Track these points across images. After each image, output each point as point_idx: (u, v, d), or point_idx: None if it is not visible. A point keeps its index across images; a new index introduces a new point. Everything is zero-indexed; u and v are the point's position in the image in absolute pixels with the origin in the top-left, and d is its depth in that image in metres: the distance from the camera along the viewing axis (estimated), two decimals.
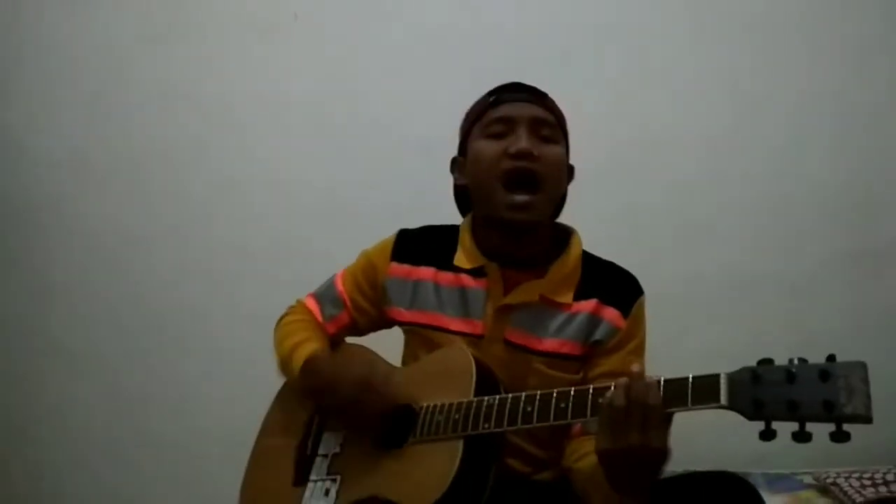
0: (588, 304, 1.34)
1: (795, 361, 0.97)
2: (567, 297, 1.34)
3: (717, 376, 0.99)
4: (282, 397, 1.51)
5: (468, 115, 1.44)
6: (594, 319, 1.33)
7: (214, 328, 2.36)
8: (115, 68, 2.43)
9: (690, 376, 1.01)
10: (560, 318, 1.34)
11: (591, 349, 1.34)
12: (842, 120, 2.21)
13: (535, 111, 1.34)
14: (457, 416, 1.20)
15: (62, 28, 2.43)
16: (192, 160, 2.41)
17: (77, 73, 2.43)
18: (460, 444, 1.18)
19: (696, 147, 2.29)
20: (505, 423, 1.16)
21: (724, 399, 0.97)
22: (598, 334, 1.33)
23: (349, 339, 1.53)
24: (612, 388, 1.04)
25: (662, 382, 1.03)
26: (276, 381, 1.50)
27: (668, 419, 1.02)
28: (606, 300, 1.34)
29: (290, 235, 2.36)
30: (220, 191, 2.40)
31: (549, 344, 1.33)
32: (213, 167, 2.40)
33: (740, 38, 2.25)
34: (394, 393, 1.30)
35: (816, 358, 2.22)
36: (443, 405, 1.23)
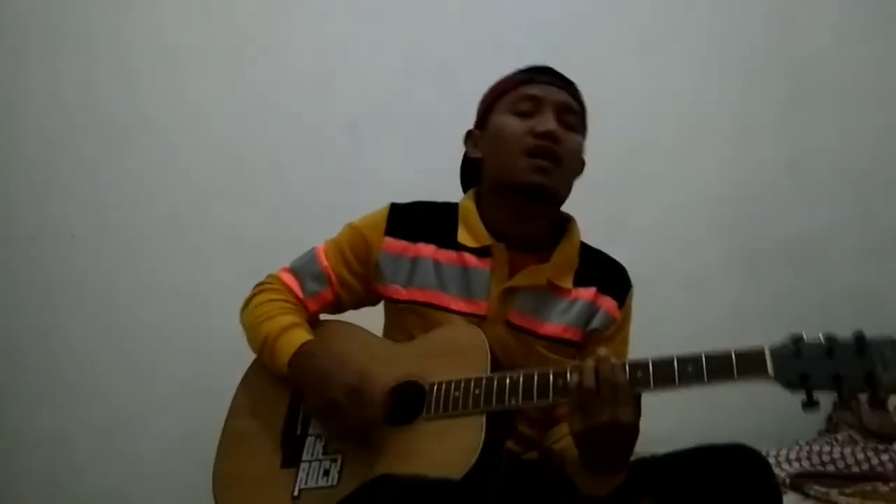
0: (588, 292, 1.38)
1: (821, 337, 1.05)
2: (568, 283, 1.37)
3: (760, 351, 1.06)
4: (253, 376, 1.42)
5: (493, 89, 1.43)
6: (592, 307, 1.38)
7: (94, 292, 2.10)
8: None
9: (733, 351, 1.07)
10: (562, 304, 1.36)
11: (589, 337, 1.38)
12: (736, 131, 2.43)
13: (564, 97, 1.37)
14: (477, 392, 1.19)
15: None
16: (78, 106, 2.12)
17: None
18: (483, 420, 1.17)
19: (601, 147, 2.41)
20: (535, 397, 1.17)
21: (771, 372, 1.03)
22: (596, 322, 1.37)
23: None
24: (582, 370, 1.10)
25: (704, 357, 1.08)
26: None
27: (636, 397, 1.10)
28: (604, 289, 1.39)
29: (182, 202, 2.14)
30: (109, 142, 2.12)
31: (552, 328, 1.35)
32: (101, 114, 2.13)
33: (642, 47, 2.40)
34: (396, 372, 1.27)
35: (709, 347, 2.39)
36: (458, 381, 1.21)
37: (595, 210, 2.32)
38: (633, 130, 2.39)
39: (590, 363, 1.10)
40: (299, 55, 2.23)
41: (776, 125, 2.45)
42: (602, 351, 1.11)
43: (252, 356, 1.43)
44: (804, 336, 1.06)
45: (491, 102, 1.41)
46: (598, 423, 1.07)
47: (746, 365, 1.05)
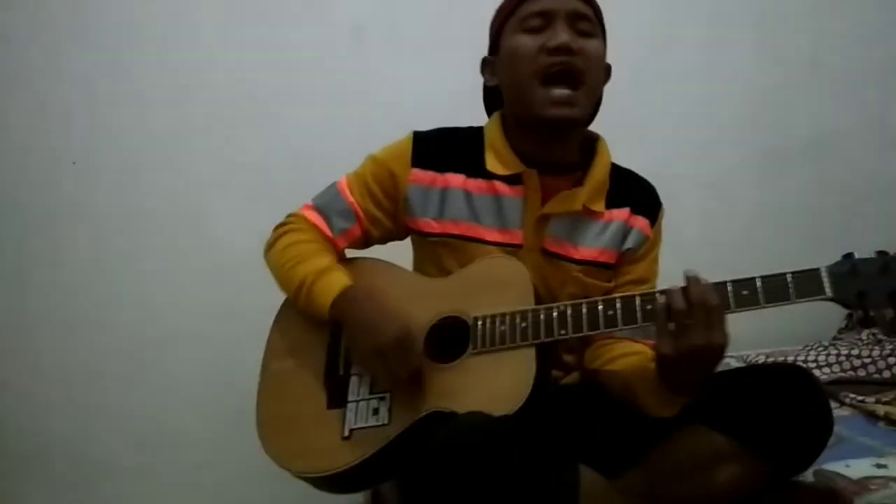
0: (621, 213, 1.36)
1: (873, 255, 1.04)
2: (601, 206, 1.34)
3: (817, 271, 1.04)
4: (286, 316, 1.40)
5: (500, 10, 1.35)
6: (626, 227, 1.36)
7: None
8: None
9: (788, 272, 1.05)
10: (596, 227, 1.34)
11: (622, 257, 1.36)
12: (758, 27, 2.34)
13: (574, 4, 1.28)
14: (524, 325, 1.18)
15: None
16: (69, 26, 2.03)
17: None
18: (533, 353, 1.17)
19: (618, 50, 2.33)
20: (585, 327, 1.16)
21: (829, 291, 1.02)
22: (630, 242, 1.36)
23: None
24: (669, 292, 1.08)
25: (759, 280, 1.07)
26: None
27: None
28: (637, 209, 1.37)
29: (182, 122, 2.07)
30: (105, 65, 2.04)
31: (587, 252, 1.33)
32: (94, 34, 2.04)
33: None
34: (437, 308, 1.26)
35: (731, 249, 2.34)
36: (503, 315, 1.20)
37: (612, 111, 2.28)
38: (651, 28, 2.31)
39: (676, 286, 1.08)
40: None
41: (798, 20, 2.35)
42: (691, 272, 1.08)
43: (274, 286, 1.40)
44: (855, 254, 1.05)
45: (500, 25, 1.33)
46: (693, 346, 1.05)
47: (804, 285, 1.04)
